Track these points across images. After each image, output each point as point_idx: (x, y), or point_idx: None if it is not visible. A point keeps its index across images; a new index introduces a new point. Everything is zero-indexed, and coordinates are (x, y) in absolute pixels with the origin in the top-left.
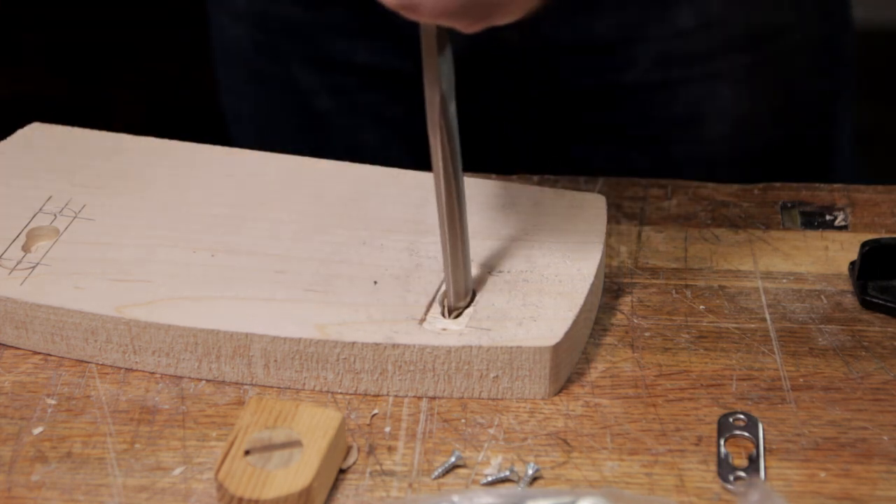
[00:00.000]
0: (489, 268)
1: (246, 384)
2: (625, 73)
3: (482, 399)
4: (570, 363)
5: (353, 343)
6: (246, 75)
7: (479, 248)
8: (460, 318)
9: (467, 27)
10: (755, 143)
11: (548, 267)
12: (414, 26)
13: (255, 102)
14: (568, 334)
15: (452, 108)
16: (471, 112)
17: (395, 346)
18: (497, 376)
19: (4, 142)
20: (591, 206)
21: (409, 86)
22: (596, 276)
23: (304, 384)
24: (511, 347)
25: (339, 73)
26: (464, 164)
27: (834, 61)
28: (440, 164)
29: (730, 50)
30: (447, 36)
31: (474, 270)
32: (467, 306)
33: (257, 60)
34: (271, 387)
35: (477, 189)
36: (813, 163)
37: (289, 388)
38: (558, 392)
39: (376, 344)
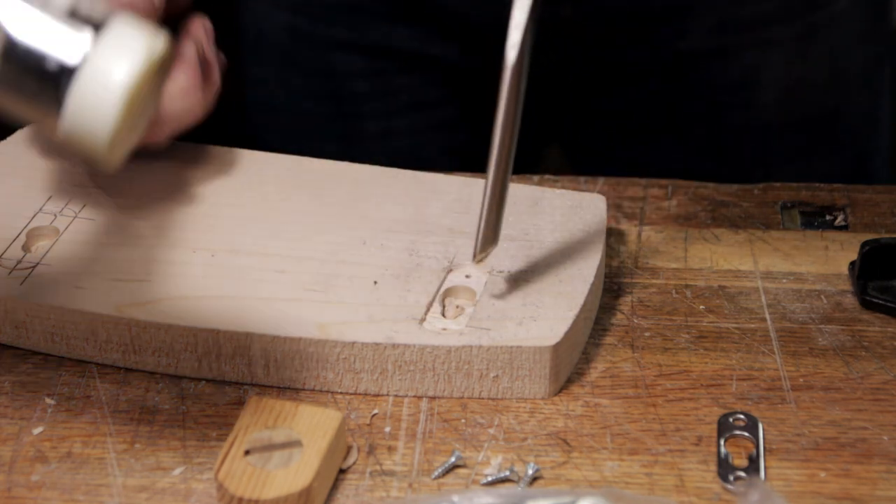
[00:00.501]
0: (489, 267)
1: (246, 384)
2: (680, 42)
3: (482, 399)
4: (570, 363)
5: (354, 343)
6: (280, 63)
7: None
8: (460, 318)
9: None
10: (806, 109)
11: (548, 267)
12: (454, 9)
13: (289, 90)
14: (568, 334)
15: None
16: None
17: (395, 345)
18: (497, 376)
19: (4, 142)
20: (591, 206)
21: (447, 71)
22: (596, 277)
23: (304, 384)
24: (511, 347)
25: (378, 56)
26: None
27: (877, 27)
28: (506, 98)
29: (782, 17)
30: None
31: (474, 271)
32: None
33: (294, 47)
34: (271, 386)
35: (477, 189)
36: (859, 128)
37: (289, 388)
38: (558, 392)
39: (376, 343)
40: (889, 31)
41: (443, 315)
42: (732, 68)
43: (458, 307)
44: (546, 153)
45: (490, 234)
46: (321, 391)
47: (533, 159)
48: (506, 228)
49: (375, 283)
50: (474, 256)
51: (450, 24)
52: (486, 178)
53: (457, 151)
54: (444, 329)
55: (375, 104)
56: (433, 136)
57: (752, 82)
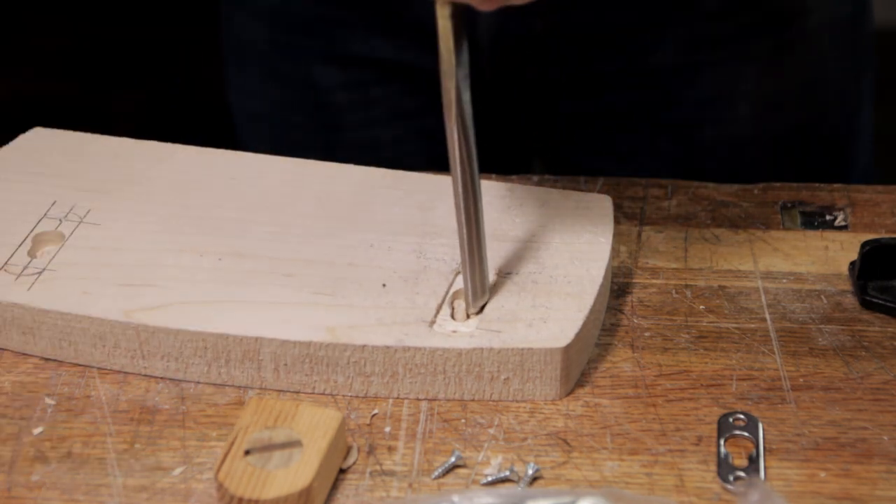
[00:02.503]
0: (498, 269)
1: (255, 388)
2: (652, 57)
3: (483, 399)
4: (580, 364)
5: (364, 346)
6: (261, 74)
7: (487, 249)
8: (470, 321)
9: (482, 3)
10: (781, 124)
11: (556, 268)
12: (432, 20)
13: (270, 102)
14: (578, 335)
15: (467, 96)
16: (494, 102)
17: (405, 348)
18: (508, 378)
19: (6, 147)
20: (598, 206)
21: (425, 80)
22: (604, 277)
23: (313, 388)
24: (522, 349)
25: (356, 67)
26: (486, 156)
27: (856, 42)
28: (457, 155)
29: (755, 32)
30: (462, 22)
31: None
32: (484, 306)
33: (274, 58)
34: (280, 390)
35: (483, 190)
36: (836, 144)
37: (300, 392)
38: (569, 393)
39: (387, 347)
40: (869, 43)
41: (452, 317)
42: (705, 83)
43: (476, 307)
44: (529, 169)
45: (478, 290)
46: (330, 394)
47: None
48: (513, 230)
49: (384, 285)
50: (467, 311)
51: (426, 32)
52: (459, 242)
53: (441, 159)
54: (455, 331)
55: (356, 115)
56: (416, 145)
57: (726, 97)
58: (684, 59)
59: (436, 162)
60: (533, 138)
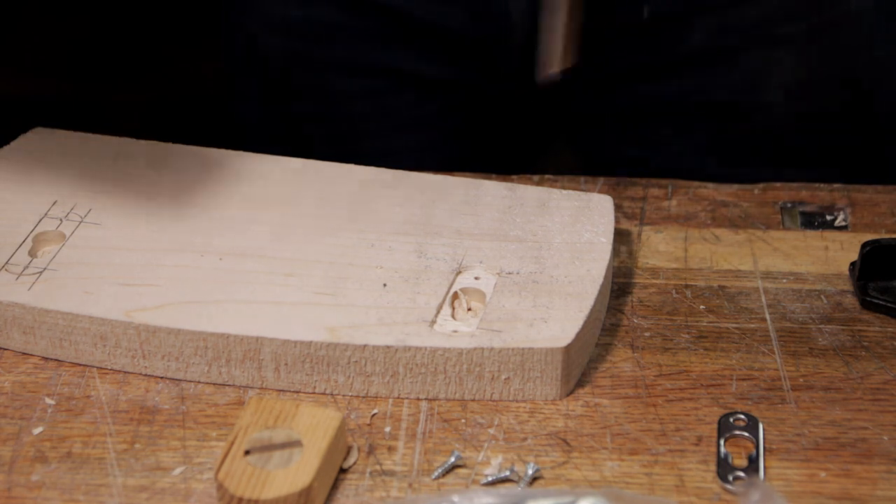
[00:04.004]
0: (499, 269)
1: (255, 388)
2: (684, 44)
3: (483, 399)
4: (580, 364)
5: (365, 346)
6: (274, 85)
7: (487, 249)
8: (471, 320)
9: None
10: (815, 109)
11: (557, 268)
12: (449, 29)
13: (282, 113)
14: (579, 335)
15: None
16: (522, 97)
17: (406, 348)
18: (508, 378)
19: (6, 147)
20: (598, 206)
21: (441, 87)
22: (605, 277)
23: (314, 387)
24: (523, 349)
25: (375, 77)
26: (487, 156)
27: (888, 25)
28: None
29: (787, 17)
30: None
31: (482, 272)
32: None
33: (289, 70)
34: (281, 390)
35: (484, 190)
36: (873, 127)
37: (300, 392)
38: (569, 393)
39: (387, 346)
40: None
41: (453, 317)
42: (739, 68)
43: (469, 309)
44: (553, 150)
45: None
46: (330, 394)
47: (540, 156)
48: (514, 230)
49: (385, 285)
50: (545, 71)
51: (444, 41)
52: None
53: (456, 167)
54: (455, 331)
55: (373, 125)
56: (432, 153)
57: (760, 82)
58: (717, 45)
59: (451, 169)
60: (562, 122)
